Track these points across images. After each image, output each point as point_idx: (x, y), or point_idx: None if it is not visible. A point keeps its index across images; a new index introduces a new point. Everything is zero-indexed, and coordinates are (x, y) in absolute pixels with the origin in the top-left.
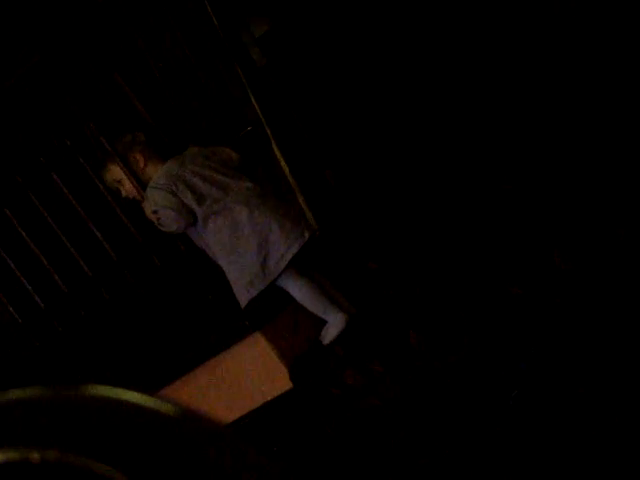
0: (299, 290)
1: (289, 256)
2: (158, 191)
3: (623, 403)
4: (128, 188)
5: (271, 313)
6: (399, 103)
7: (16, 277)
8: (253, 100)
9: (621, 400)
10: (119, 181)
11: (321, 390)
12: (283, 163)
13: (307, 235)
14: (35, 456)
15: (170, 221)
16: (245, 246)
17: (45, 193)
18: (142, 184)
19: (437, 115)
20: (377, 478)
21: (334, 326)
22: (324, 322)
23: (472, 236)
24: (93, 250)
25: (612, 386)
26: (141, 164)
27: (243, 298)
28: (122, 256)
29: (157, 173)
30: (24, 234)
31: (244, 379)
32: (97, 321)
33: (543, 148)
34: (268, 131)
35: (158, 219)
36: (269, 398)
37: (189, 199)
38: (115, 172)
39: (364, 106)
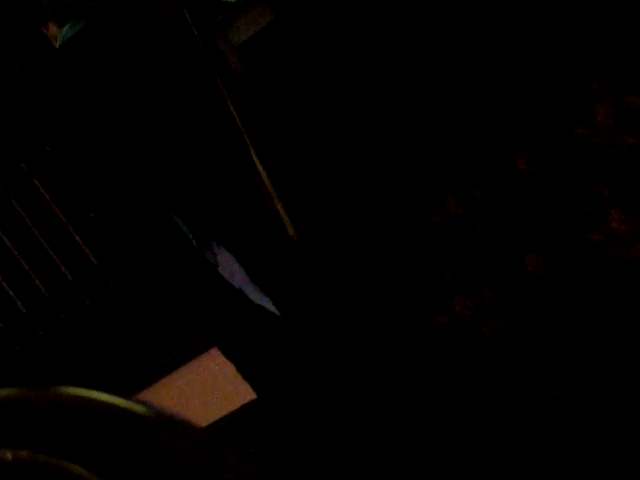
0: None
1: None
2: None
3: None
4: None
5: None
6: (378, 109)
7: None
8: (231, 108)
9: None
10: None
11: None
12: (261, 169)
13: None
14: (8, 456)
15: None
16: None
17: (26, 199)
18: None
19: (415, 120)
20: (354, 478)
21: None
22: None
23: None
24: (73, 255)
25: None
26: None
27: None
28: (102, 260)
29: None
30: (5, 239)
31: (206, 391)
32: (77, 326)
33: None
34: (246, 138)
35: None
36: (233, 409)
37: None
38: None
39: (342, 111)
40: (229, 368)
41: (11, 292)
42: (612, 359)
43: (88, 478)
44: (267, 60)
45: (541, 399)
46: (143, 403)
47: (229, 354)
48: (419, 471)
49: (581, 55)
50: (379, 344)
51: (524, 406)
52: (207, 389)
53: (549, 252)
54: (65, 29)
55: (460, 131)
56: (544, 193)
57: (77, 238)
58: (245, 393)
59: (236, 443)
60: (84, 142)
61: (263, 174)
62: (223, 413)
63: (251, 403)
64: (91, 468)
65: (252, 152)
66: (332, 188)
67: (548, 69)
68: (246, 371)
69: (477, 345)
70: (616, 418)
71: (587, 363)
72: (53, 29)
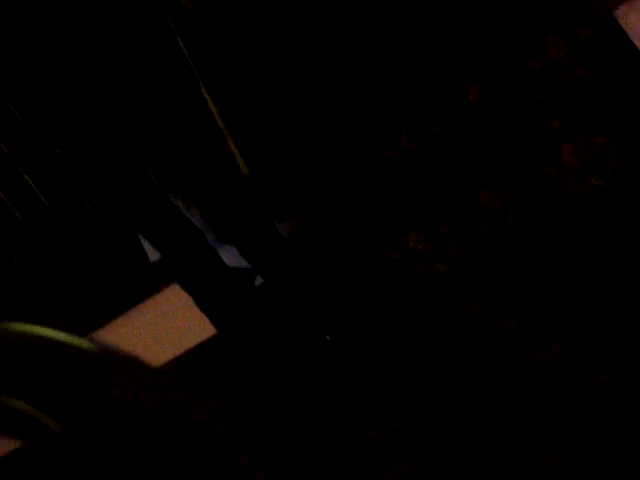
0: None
1: None
2: None
3: None
4: None
5: None
6: (330, 41)
7: None
8: (181, 44)
9: None
10: None
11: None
12: (212, 106)
13: None
14: None
15: None
16: None
17: None
18: None
19: (367, 55)
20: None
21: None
22: None
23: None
24: (24, 196)
25: None
26: None
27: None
28: (52, 201)
29: None
30: None
31: (167, 327)
32: (29, 266)
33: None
34: (197, 75)
35: None
36: (192, 345)
37: None
38: None
39: (295, 44)
40: (189, 303)
41: None
42: (561, 292)
43: (30, 413)
44: None
45: (496, 333)
46: (88, 339)
47: (189, 289)
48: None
49: None
50: (333, 279)
51: (476, 336)
52: (167, 325)
53: (502, 187)
54: None
55: (413, 67)
56: (497, 128)
57: (27, 178)
58: (205, 329)
59: (194, 381)
60: (44, 81)
61: (214, 111)
62: (182, 350)
63: (210, 339)
64: (33, 403)
65: (203, 89)
66: (284, 125)
67: (497, 4)
68: (206, 306)
69: (432, 280)
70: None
71: (539, 297)
72: None
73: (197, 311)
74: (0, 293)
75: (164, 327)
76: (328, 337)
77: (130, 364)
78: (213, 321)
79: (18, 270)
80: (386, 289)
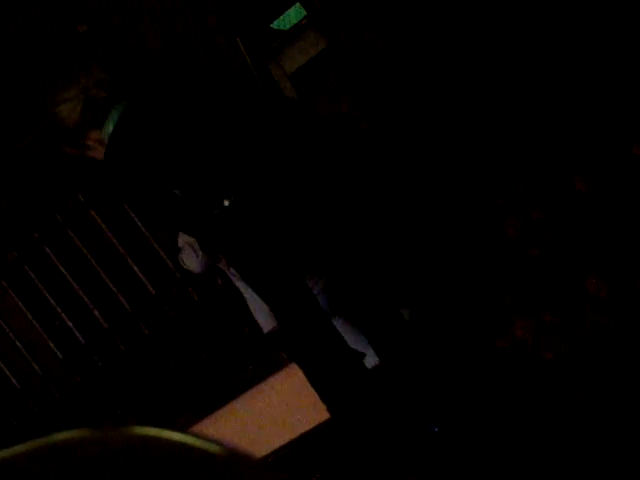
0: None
1: None
2: None
3: None
4: None
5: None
6: (433, 132)
7: (56, 313)
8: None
9: None
10: None
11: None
12: None
13: None
14: None
15: (191, 261)
16: None
17: (85, 230)
18: None
19: (471, 145)
20: None
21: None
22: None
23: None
24: (131, 285)
25: None
26: None
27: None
28: (160, 290)
29: None
30: (64, 271)
31: (281, 410)
32: (137, 355)
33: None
34: None
35: (181, 257)
36: (307, 429)
37: None
38: None
39: (399, 135)
40: (304, 387)
41: (70, 323)
42: None
43: None
44: (320, 87)
45: (606, 423)
46: (215, 441)
47: (307, 372)
48: None
49: (637, 75)
50: (439, 370)
51: (587, 426)
52: (282, 408)
53: (609, 274)
54: (109, 124)
55: (517, 155)
56: (603, 215)
57: (135, 268)
58: (319, 413)
59: (305, 466)
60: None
61: None
62: (294, 434)
63: (323, 424)
64: None
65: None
66: (385, 216)
67: (604, 90)
68: (322, 390)
69: (538, 369)
70: None
71: None
72: (94, 134)
73: (298, 399)
74: (108, 386)
75: (278, 410)
76: (435, 428)
77: (253, 465)
78: (328, 404)
79: (124, 362)
80: (494, 379)
